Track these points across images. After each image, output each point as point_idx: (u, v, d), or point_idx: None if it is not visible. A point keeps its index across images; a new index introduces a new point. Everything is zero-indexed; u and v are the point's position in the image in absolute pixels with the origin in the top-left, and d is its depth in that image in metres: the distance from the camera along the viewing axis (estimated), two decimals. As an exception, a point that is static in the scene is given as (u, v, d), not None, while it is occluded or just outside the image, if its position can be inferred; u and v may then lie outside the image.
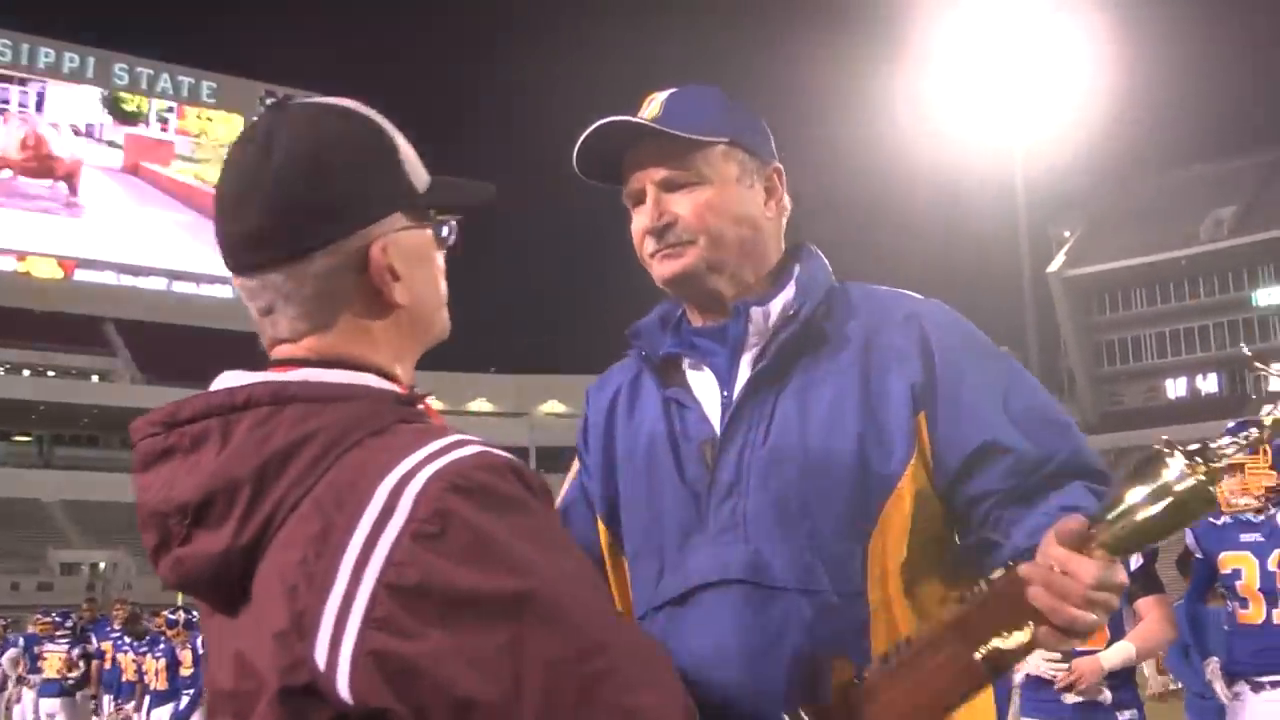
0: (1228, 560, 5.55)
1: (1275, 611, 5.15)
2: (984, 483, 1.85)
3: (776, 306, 1.97)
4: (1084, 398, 68.91)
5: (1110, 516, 1.50)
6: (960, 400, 1.88)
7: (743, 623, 1.83)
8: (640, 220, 2.00)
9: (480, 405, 78.11)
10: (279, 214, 1.45)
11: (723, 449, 1.92)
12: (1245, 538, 5.47)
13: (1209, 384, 67.35)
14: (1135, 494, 1.48)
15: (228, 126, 74.69)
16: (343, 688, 1.27)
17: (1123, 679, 5.11)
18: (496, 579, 1.27)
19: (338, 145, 1.48)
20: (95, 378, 65.47)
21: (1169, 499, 1.45)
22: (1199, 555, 5.99)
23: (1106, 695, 4.99)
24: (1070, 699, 4.93)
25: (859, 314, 1.97)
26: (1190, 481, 1.43)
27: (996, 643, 1.56)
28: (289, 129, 1.49)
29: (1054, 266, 68.37)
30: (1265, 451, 5.56)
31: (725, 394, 1.96)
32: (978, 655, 1.57)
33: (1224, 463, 1.43)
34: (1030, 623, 1.55)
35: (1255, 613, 5.20)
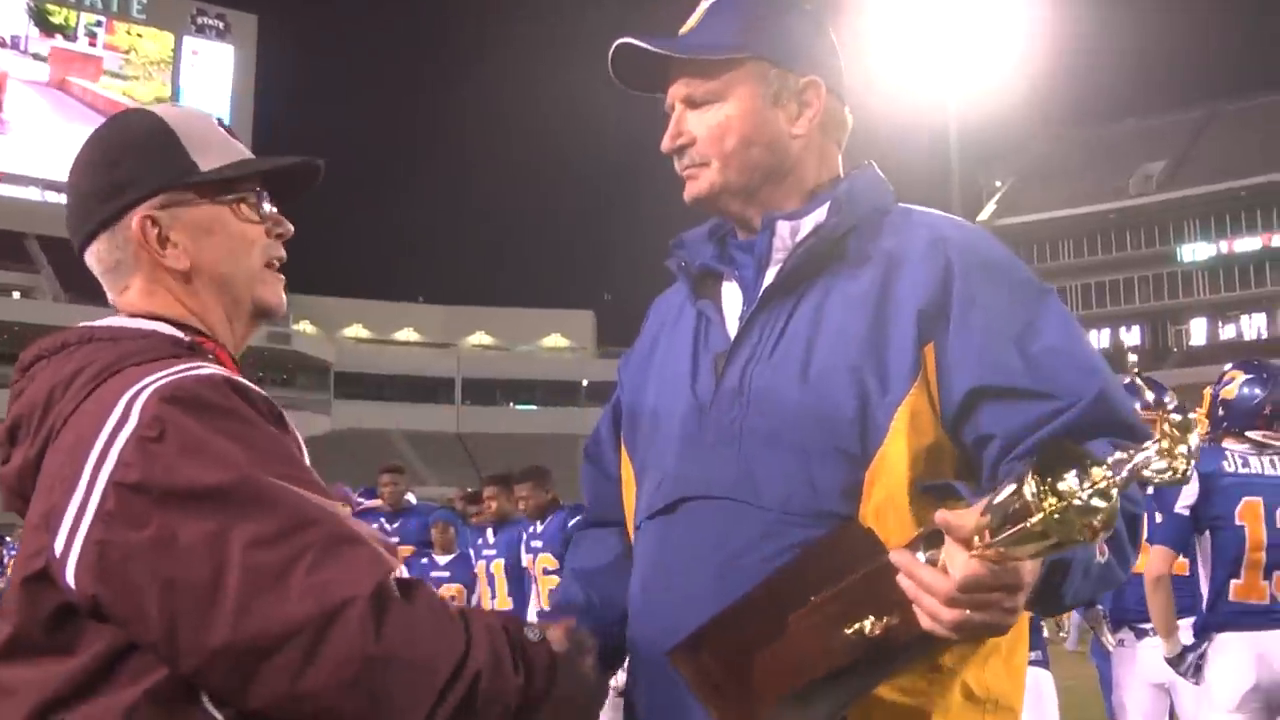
0: None
1: (1169, 573, 5.24)
2: (988, 425, 1.73)
3: (808, 223, 1.89)
4: (1008, 346, 69.57)
5: (991, 523, 1.36)
6: (970, 333, 1.75)
7: (719, 539, 1.80)
8: (668, 135, 1.96)
9: (407, 335, 77.63)
10: (78, 202, 1.78)
11: (730, 359, 1.87)
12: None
13: (1132, 336, 68.18)
14: (1000, 513, 1.35)
15: (158, 43, 73.18)
16: (69, 574, 1.48)
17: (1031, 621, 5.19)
18: (206, 474, 1.47)
19: (114, 139, 1.79)
20: (17, 294, 64.30)
21: (1027, 532, 1.31)
22: None
23: None
24: None
25: (890, 235, 1.87)
26: (1038, 518, 1.29)
27: (865, 625, 1.53)
28: (96, 131, 1.82)
29: (984, 215, 68.76)
30: (1205, 398, 5.68)
31: (746, 307, 1.91)
32: (847, 631, 1.55)
33: (1084, 494, 1.28)
34: (900, 611, 1.50)
35: (1141, 562, 5.27)
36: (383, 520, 9.76)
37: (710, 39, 1.90)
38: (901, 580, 1.47)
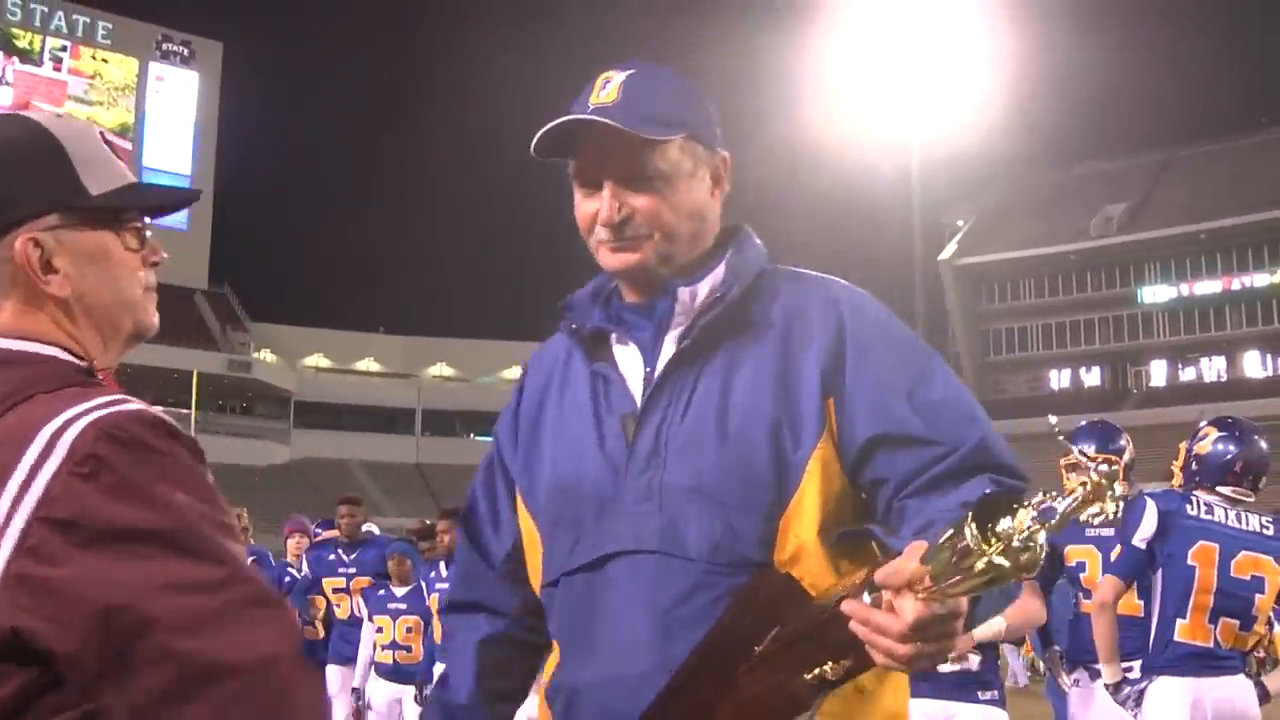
0: (1073, 553, 5.89)
1: (1115, 602, 5.32)
2: (884, 470, 1.90)
3: (705, 288, 2.01)
4: (970, 385, 69.37)
5: (937, 555, 1.48)
6: (864, 387, 1.91)
7: (654, 591, 1.90)
8: (591, 207, 2.01)
9: (368, 365, 77.34)
10: None
11: (642, 422, 1.97)
12: (1090, 532, 5.78)
13: (1092, 377, 68.67)
14: (942, 557, 1.47)
15: (123, 69, 73.01)
16: None
17: (989, 658, 5.25)
18: (145, 516, 1.42)
19: None
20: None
21: (971, 572, 1.44)
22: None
23: (973, 661, 5.13)
24: (944, 667, 4.97)
25: (783, 298, 2.01)
26: (982, 563, 1.42)
27: (825, 670, 1.64)
28: None
29: (946, 254, 69.18)
30: (1181, 451, 5.76)
31: (648, 369, 2.01)
32: (807, 677, 1.65)
33: (1022, 542, 1.41)
34: (854, 652, 1.61)
35: (1139, 605, 5.36)
36: (340, 551, 9.69)
37: (650, 116, 1.96)
38: (855, 626, 1.57)
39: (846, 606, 1.60)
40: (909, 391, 1.92)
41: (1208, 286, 65.20)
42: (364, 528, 10.02)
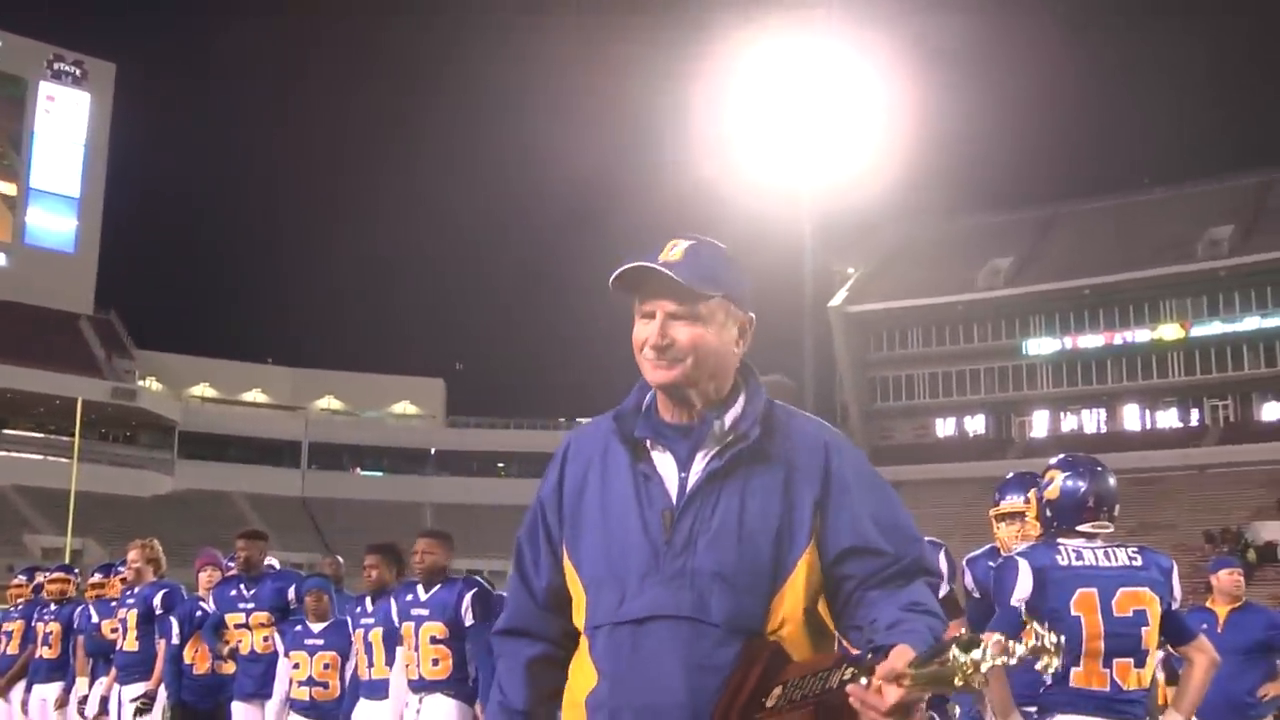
0: None
1: None
2: (853, 570, 2.64)
3: (729, 419, 2.70)
4: (856, 431, 70.55)
5: (919, 670, 2.13)
6: (841, 513, 2.66)
7: (687, 645, 2.58)
8: (645, 332, 2.68)
9: (255, 396, 76.31)
10: None
11: (680, 518, 2.64)
12: None
13: (976, 424, 69.64)
14: (929, 669, 2.11)
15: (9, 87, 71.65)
16: None
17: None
18: None
19: None
20: None
21: (947, 683, 2.09)
22: (977, 595, 6.39)
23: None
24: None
25: (787, 437, 2.72)
26: (958, 680, 2.06)
27: None
28: None
29: (835, 301, 69.94)
30: (1031, 502, 5.78)
31: (682, 475, 2.68)
32: None
33: (985, 664, 2.04)
34: (849, 715, 2.24)
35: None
36: (241, 586, 9.50)
37: (701, 276, 2.64)
38: (854, 701, 2.21)
39: (851, 689, 2.22)
40: (874, 516, 2.67)
41: (1091, 340, 66.57)
42: (265, 562, 9.84)
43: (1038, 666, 2.04)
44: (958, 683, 2.06)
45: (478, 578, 8.08)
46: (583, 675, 2.73)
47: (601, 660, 2.68)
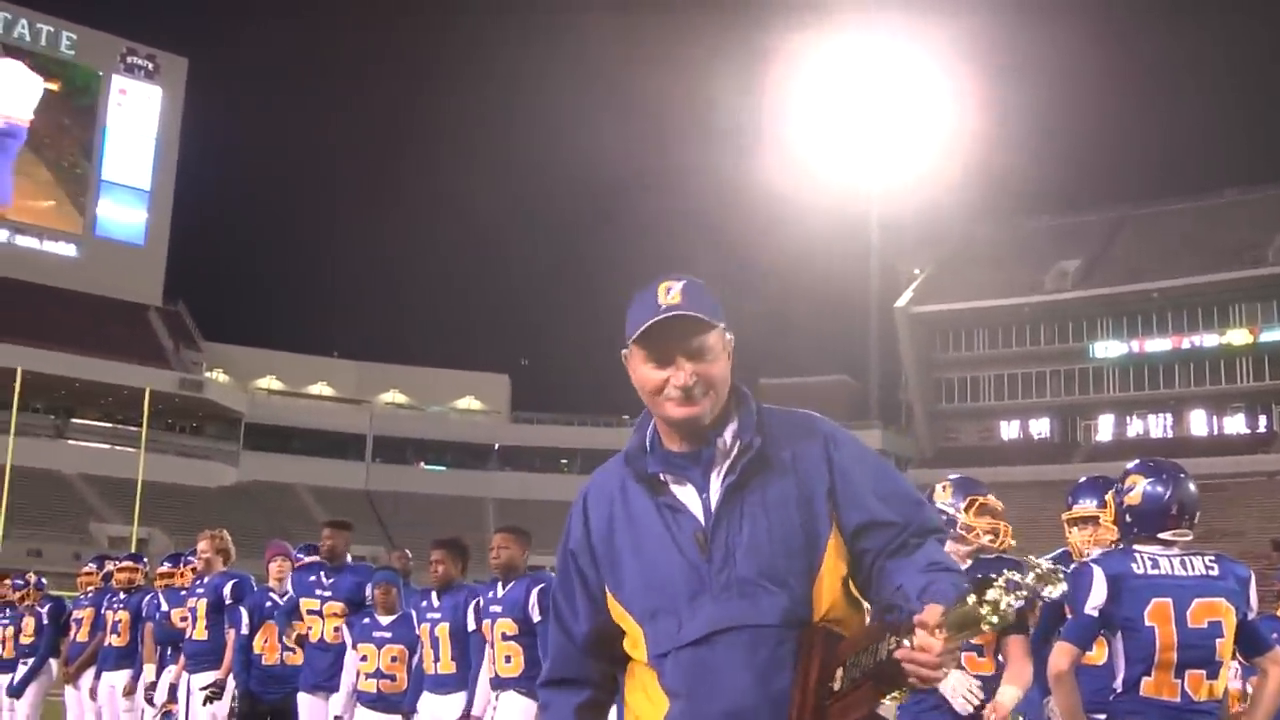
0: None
1: (1071, 669, 5.24)
2: (868, 544, 2.81)
3: (729, 435, 2.85)
4: (920, 432, 70.23)
5: (953, 613, 2.36)
6: (849, 495, 2.83)
7: (750, 650, 2.73)
8: (661, 375, 2.81)
9: (320, 389, 76.87)
10: None
11: (713, 538, 2.78)
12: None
13: (1041, 427, 69.11)
14: (957, 617, 2.36)
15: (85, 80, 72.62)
16: None
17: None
18: None
19: None
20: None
21: (975, 628, 2.35)
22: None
23: None
24: None
25: (785, 438, 2.88)
26: (985, 625, 2.32)
27: (889, 688, 2.54)
28: None
29: (901, 302, 69.64)
30: (1109, 504, 5.70)
31: (704, 496, 2.82)
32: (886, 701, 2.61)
33: (1004, 605, 2.29)
34: (901, 682, 2.47)
35: (1099, 654, 5.28)
36: (322, 574, 9.58)
37: (706, 312, 2.81)
38: (904, 664, 2.43)
39: (900, 654, 2.42)
40: (875, 491, 2.85)
41: (1158, 344, 65.93)
42: (346, 554, 9.93)
43: (1043, 593, 2.27)
44: (988, 624, 2.32)
45: (548, 573, 8.09)
46: (652, 705, 2.87)
47: (673, 683, 2.81)
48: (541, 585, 7.69)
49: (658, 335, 2.81)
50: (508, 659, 7.68)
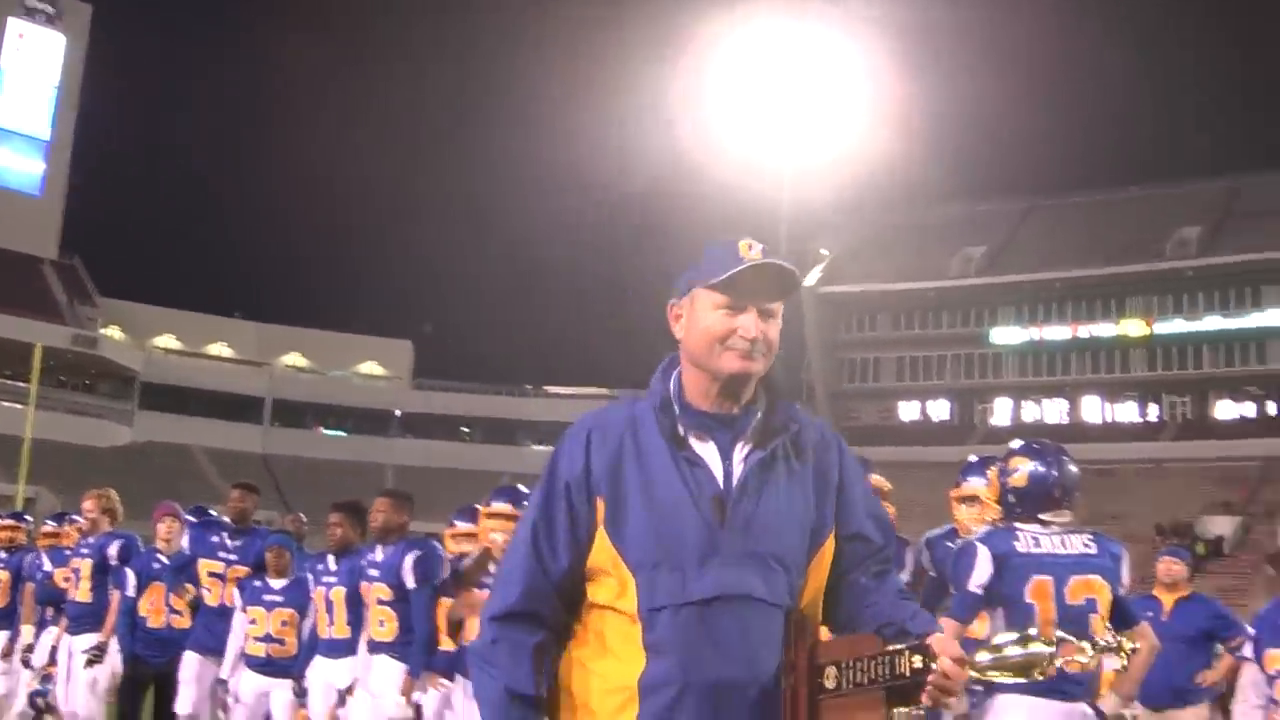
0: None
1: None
2: (848, 556, 2.92)
3: (763, 409, 2.90)
4: (822, 411, 70.72)
5: (989, 658, 2.66)
6: (849, 503, 2.95)
7: (751, 626, 2.75)
8: (732, 323, 2.84)
9: (220, 350, 75.76)
10: None
11: (735, 506, 2.80)
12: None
13: (940, 410, 69.96)
14: (1012, 652, 2.66)
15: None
16: None
17: None
18: None
19: None
20: None
21: (1022, 665, 2.66)
22: (933, 574, 6.60)
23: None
24: None
25: (810, 434, 2.95)
26: (1035, 655, 2.65)
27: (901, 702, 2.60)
28: None
29: (810, 282, 70.01)
30: (994, 483, 5.86)
31: (726, 463, 2.84)
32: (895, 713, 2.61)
33: (1057, 660, 2.65)
34: (914, 696, 2.59)
35: (979, 628, 5.43)
36: (225, 535, 9.41)
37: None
38: (938, 675, 2.56)
39: (933, 677, 2.56)
40: (866, 508, 2.99)
41: (1057, 332, 66.96)
42: (253, 517, 9.76)
43: (1108, 665, 2.35)
44: (1031, 677, 2.64)
45: (431, 541, 7.96)
46: (620, 663, 2.79)
47: (664, 639, 2.76)
48: (418, 552, 7.60)
49: (743, 283, 2.84)
50: (382, 623, 7.59)
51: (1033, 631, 2.66)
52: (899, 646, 2.63)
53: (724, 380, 2.86)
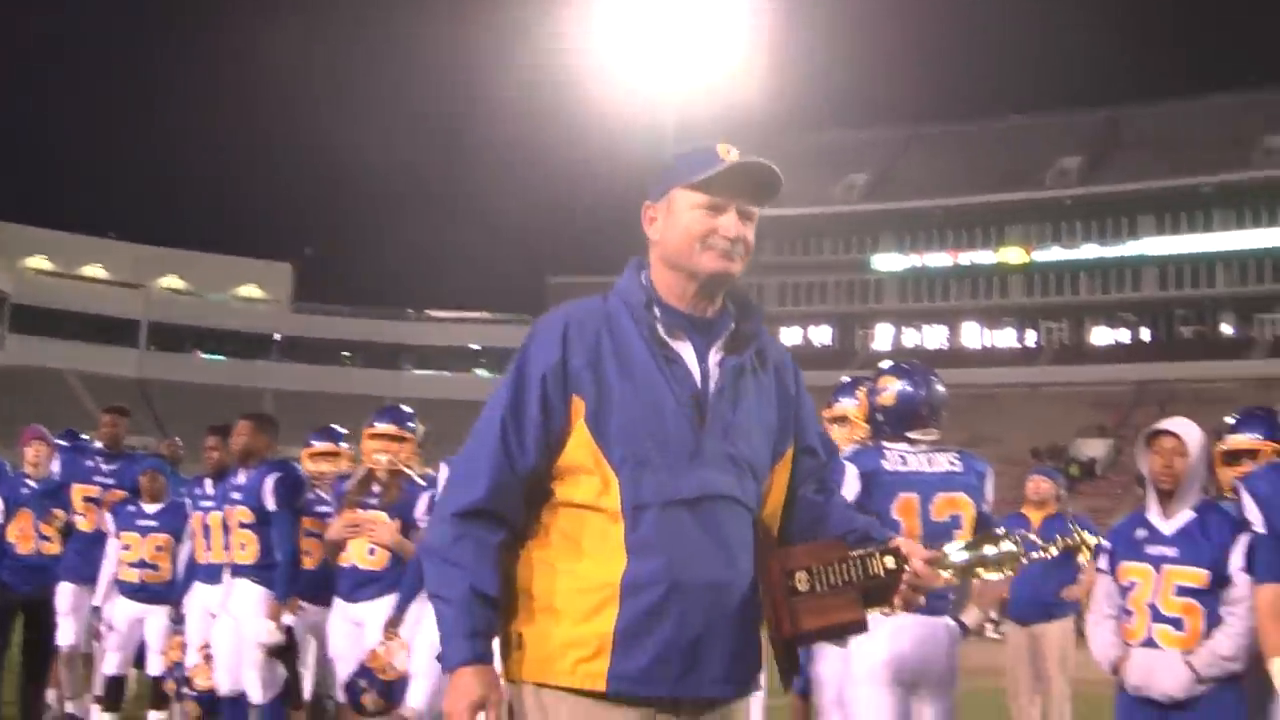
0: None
1: None
2: (799, 468, 3.01)
3: (734, 317, 2.94)
4: (705, 337, 71.04)
5: (958, 557, 2.83)
6: (804, 417, 3.05)
7: (733, 527, 2.80)
8: (713, 222, 2.85)
9: (94, 271, 73.95)
10: None
11: (711, 409, 2.83)
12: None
13: (822, 335, 70.67)
14: (984, 549, 2.83)
15: None
16: None
17: None
18: None
19: None
20: None
21: (995, 561, 2.82)
22: None
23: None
24: None
25: (773, 348, 3.03)
26: (988, 574, 2.86)
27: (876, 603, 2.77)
28: None
29: (693, 207, 70.03)
30: (862, 402, 5.99)
31: (702, 364, 2.87)
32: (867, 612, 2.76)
33: (1027, 554, 2.79)
34: (887, 595, 2.78)
35: None
36: (99, 460, 9.25)
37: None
38: (910, 575, 2.76)
39: (908, 576, 2.74)
40: (812, 424, 3.09)
41: (938, 259, 67.87)
42: (125, 441, 9.61)
43: (1080, 559, 2.50)
44: (1002, 573, 2.80)
45: (291, 462, 7.87)
46: (597, 564, 2.75)
47: (649, 538, 2.74)
48: (278, 474, 7.52)
49: (724, 181, 2.85)
50: (243, 546, 7.51)
51: (1000, 530, 2.82)
52: (869, 549, 2.75)
53: (702, 280, 2.87)
